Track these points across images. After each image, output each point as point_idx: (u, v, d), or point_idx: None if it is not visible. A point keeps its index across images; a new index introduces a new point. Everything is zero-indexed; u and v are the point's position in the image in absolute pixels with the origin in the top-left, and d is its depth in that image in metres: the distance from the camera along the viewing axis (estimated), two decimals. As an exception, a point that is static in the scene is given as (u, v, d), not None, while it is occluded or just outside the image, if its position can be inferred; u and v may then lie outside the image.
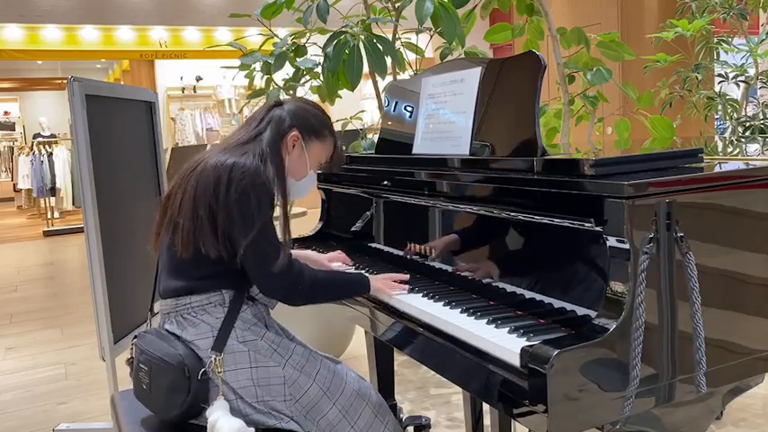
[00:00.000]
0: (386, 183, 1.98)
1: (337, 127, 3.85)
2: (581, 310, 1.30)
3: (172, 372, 1.56)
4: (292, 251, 2.07)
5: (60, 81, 13.32)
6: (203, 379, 1.56)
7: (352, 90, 2.97)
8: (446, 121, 1.83)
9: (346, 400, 1.66)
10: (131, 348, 1.71)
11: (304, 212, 4.83)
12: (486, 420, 2.10)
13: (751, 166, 1.40)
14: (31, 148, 10.74)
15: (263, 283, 1.63)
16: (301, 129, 1.74)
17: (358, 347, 3.64)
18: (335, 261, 2.01)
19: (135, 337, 1.70)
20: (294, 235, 2.40)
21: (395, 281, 1.73)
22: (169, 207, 1.67)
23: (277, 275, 1.60)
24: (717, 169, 1.42)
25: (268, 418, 1.58)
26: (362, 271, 1.92)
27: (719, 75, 3.82)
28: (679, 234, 1.23)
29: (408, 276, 1.75)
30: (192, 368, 1.56)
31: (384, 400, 1.77)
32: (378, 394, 1.76)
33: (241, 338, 1.62)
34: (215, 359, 1.57)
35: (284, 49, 3.13)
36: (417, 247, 1.84)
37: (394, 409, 2.34)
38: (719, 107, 3.69)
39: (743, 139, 3.14)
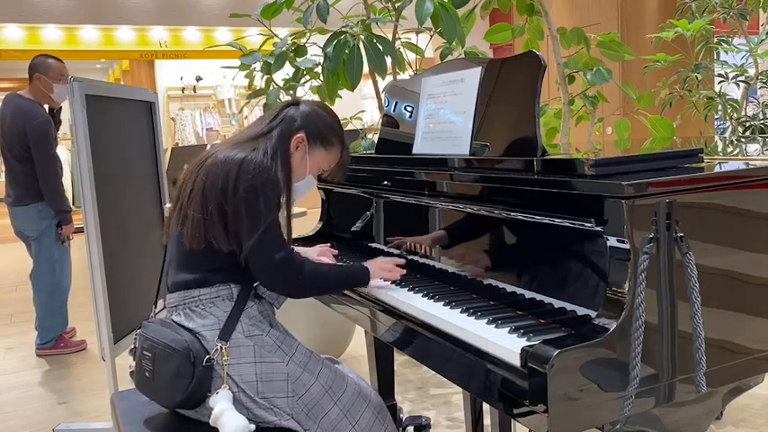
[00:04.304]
0: (386, 183, 1.98)
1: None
2: (581, 310, 1.30)
3: (177, 357, 1.57)
4: None
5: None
6: (207, 366, 1.57)
7: (352, 90, 2.97)
8: (446, 120, 1.83)
9: (348, 400, 1.66)
10: (135, 339, 1.71)
11: (304, 212, 4.84)
12: (487, 420, 2.10)
13: (751, 166, 1.40)
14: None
15: (267, 277, 1.63)
16: (308, 132, 1.74)
17: (358, 347, 3.64)
18: (323, 255, 2.03)
19: (139, 327, 1.71)
20: (294, 235, 2.41)
21: (394, 265, 1.74)
22: (179, 197, 1.67)
23: (280, 270, 1.61)
24: (717, 169, 1.42)
25: (269, 414, 1.59)
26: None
27: (719, 75, 3.82)
28: (679, 234, 1.23)
29: (404, 261, 1.76)
30: (196, 354, 1.57)
31: (384, 403, 1.78)
32: (378, 396, 1.76)
33: (247, 333, 1.63)
34: (221, 348, 1.58)
35: (284, 49, 3.13)
36: (417, 246, 1.84)
37: (394, 409, 2.34)
38: (719, 107, 3.69)
39: (743, 139, 3.14)
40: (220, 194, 1.58)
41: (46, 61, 3.80)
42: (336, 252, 2.06)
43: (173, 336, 1.60)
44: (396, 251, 1.95)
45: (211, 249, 1.61)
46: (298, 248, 2.06)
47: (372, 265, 1.74)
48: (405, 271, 1.74)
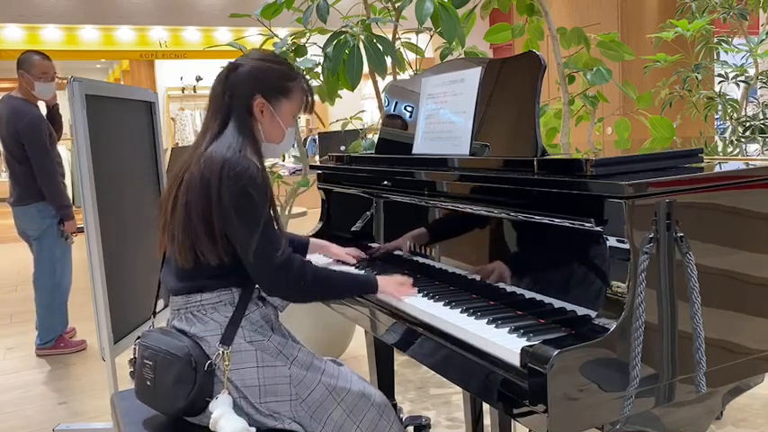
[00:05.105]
0: (386, 183, 1.98)
1: (337, 127, 3.86)
2: (581, 310, 1.30)
3: (178, 363, 1.56)
4: (310, 239, 2.08)
5: (60, 81, 13.33)
6: (209, 371, 1.56)
7: (352, 90, 2.97)
8: (446, 120, 1.83)
9: (351, 400, 1.66)
10: (134, 349, 1.70)
11: (304, 212, 4.83)
12: (487, 420, 2.10)
13: (751, 166, 1.41)
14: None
15: (268, 279, 1.61)
16: (264, 92, 1.66)
17: (358, 347, 3.64)
18: (350, 259, 2.01)
19: (138, 337, 1.70)
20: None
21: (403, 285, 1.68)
22: (164, 212, 1.65)
23: (281, 270, 1.58)
24: (717, 169, 1.42)
25: (269, 420, 1.59)
26: (364, 270, 1.92)
27: (719, 75, 3.82)
28: (679, 234, 1.23)
29: (412, 280, 1.72)
30: (198, 360, 1.56)
31: (388, 401, 1.77)
32: (382, 396, 1.76)
33: (248, 338, 1.62)
34: (222, 353, 1.57)
35: (284, 49, 3.13)
36: (417, 246, 1.84)
37: (394, 408, 2.34)
38: (719, 107, 3.69)
39: (743, 139, 3.14)
40: (204, 203, 1.55)
41: (30, 58, 3.78)
42: (365, 255, 2.04)
43: (174, 343, 1.59)
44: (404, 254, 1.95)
45: (201, 263, 1.60)
46: (328, 243, 2.06)
47: (384, 282, 1.67)
48: (415, 290, 1.66)
